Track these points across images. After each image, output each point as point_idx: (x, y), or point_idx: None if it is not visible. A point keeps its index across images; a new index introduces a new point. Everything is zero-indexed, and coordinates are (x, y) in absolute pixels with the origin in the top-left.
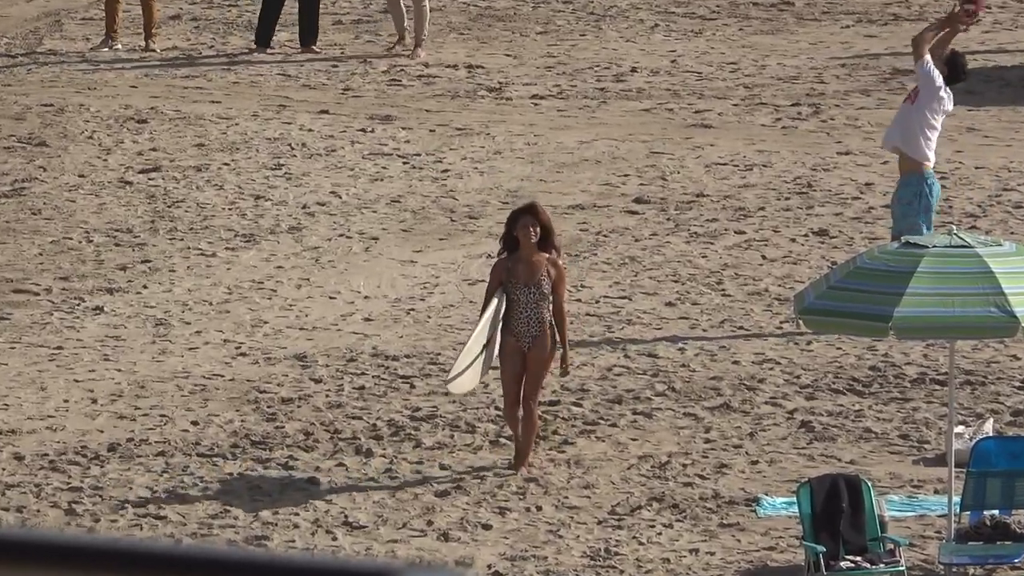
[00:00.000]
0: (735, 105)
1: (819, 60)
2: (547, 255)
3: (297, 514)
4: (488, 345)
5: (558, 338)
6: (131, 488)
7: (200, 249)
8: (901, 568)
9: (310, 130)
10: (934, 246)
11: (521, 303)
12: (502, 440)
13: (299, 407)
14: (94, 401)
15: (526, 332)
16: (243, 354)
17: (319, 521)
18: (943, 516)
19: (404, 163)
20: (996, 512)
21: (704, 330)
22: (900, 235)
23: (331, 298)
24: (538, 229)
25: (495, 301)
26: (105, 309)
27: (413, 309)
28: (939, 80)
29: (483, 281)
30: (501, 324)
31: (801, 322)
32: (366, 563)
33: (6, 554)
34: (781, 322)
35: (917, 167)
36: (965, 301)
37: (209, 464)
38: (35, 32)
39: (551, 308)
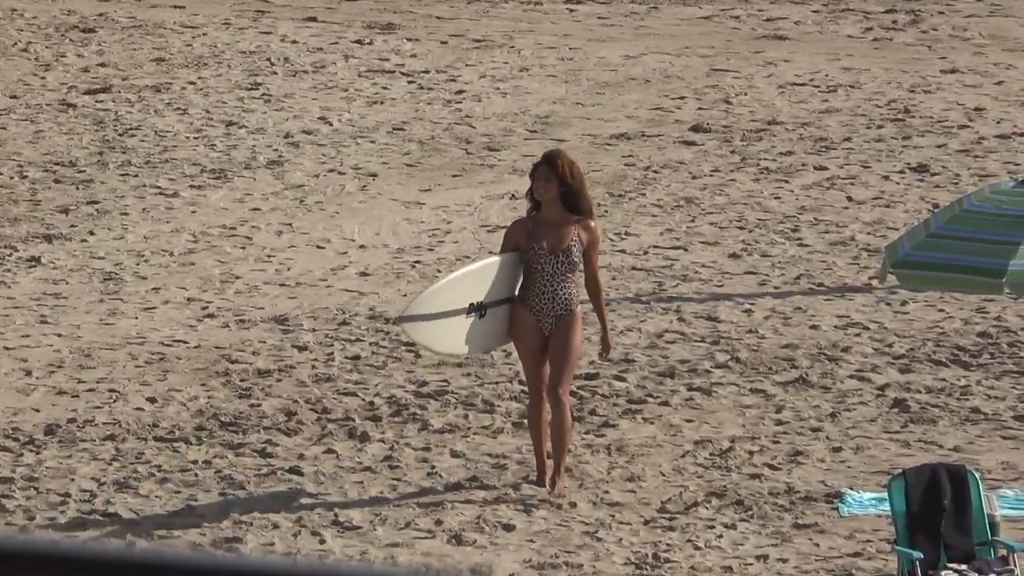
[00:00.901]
0: (815, 12)
1: None
2: (576, 216)
3: (277, 512)
4: (478, 310)
5: (596, 315)
6: (73, 479)
7: (159, 187)
8: None
9: (294, 41)
10: None
11: (545, 274)
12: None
13: (279, 381)
14: (28, 373)
15: (549, 311)
16: (211, 316)
17: (303, 520)
18: None
19: (409, 82)
20: None
21: (776, 287)
22: None
23: (319, 248)
24: (553, 184)
25: (489, 259)
26: (42, 260)
27: (419, 261)
28: None
29: (504, 227)
30: (518, 298)
31: (894, 277)
32: (361, 570)
33: None
34: (870, 278)
35: None
36: None
37: (169, 450)
38: None
39: (582, 281)
